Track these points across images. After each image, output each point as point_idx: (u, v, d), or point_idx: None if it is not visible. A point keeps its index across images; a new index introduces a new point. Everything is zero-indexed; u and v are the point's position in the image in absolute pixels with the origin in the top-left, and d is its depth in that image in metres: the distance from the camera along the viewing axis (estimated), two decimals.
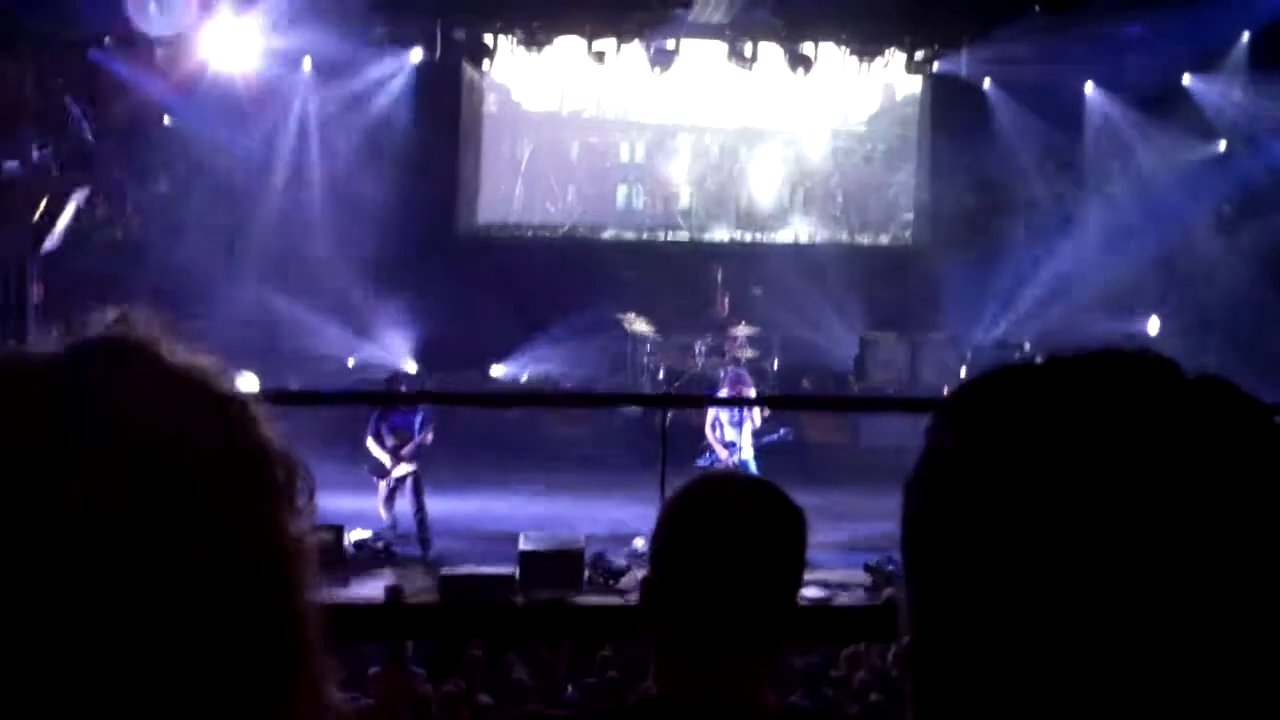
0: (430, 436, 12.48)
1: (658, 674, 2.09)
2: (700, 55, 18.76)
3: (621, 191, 20.04)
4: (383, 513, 12.21)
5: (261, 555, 0.92)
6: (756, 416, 13.16)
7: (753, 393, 14.00)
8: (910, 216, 20.25)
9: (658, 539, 2.10)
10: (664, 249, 19.60)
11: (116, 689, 0.84)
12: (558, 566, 9.97)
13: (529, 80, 19.35)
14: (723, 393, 13.54)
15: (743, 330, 17.16)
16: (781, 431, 13.02)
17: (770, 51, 18.51)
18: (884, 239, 20.34)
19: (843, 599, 9.50)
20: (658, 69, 18.53)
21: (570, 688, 9.85)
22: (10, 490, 0.85)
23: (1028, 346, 16.78)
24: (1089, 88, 18.95)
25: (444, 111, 19.18)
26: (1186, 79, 18.39)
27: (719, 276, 17.78)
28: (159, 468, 0.87)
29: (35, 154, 14.88)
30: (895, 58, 18.77)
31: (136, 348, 0.94)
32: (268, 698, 0.91)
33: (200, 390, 0.94)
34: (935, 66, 18.86)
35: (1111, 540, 0.85)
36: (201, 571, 0.87)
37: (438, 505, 13.18)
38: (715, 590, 2.02)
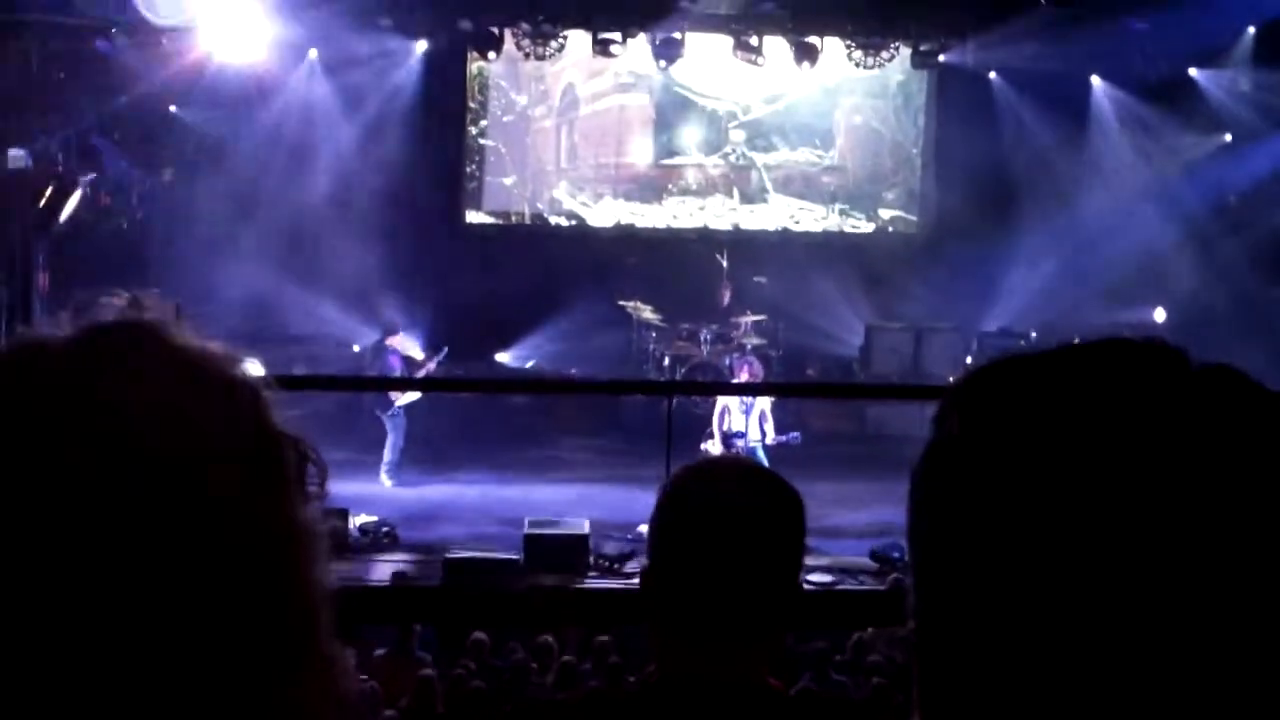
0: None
1: (659, 659, 2.10)
2: (706, 47, 18.73)
3: (626, 181, 20.00)
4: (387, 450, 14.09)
5: (273, 541, 0.92)
6: (768, 406, 13.15)
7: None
8: (916, 206, 20.22)
9: (655, 526, 2.11)
10: (669, 237, 19.57)
11: (126, 673, 0.85)
12: (562, 551, 9.99)
13: (534, 71, 19.31)
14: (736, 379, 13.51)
15: (748, 318, 17.15)
16: (789, 435, 12.99)
17: (776, 44, 18.48)
18: (890, 228, 20.31)
19: (849, 585, 9.52)
20: (663, 61, 18.51)
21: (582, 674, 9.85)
22: (22, 474, 0.85)
23: (1033, 336, 16.78)
24: (1095, 80, 18.89)
25: (449, 102, 19.17)
26: (1193, 72, 18.34)
27: (723, 265, 17.76)
28: (170, 453, 0.88)
29: (41, 143, 14.86)
30: (901, 49, 18.74)
31: (148, 333, 0.94)
32: (280, 682, 0.91)
33: (212, 375, 0.94)
34: (941, 58, 18.82)
35: (1118, 529, 0.85)
36: (213, 557, 0.88)
37: (443, 490, 13.25)
38: (713, 575, 2.02)
